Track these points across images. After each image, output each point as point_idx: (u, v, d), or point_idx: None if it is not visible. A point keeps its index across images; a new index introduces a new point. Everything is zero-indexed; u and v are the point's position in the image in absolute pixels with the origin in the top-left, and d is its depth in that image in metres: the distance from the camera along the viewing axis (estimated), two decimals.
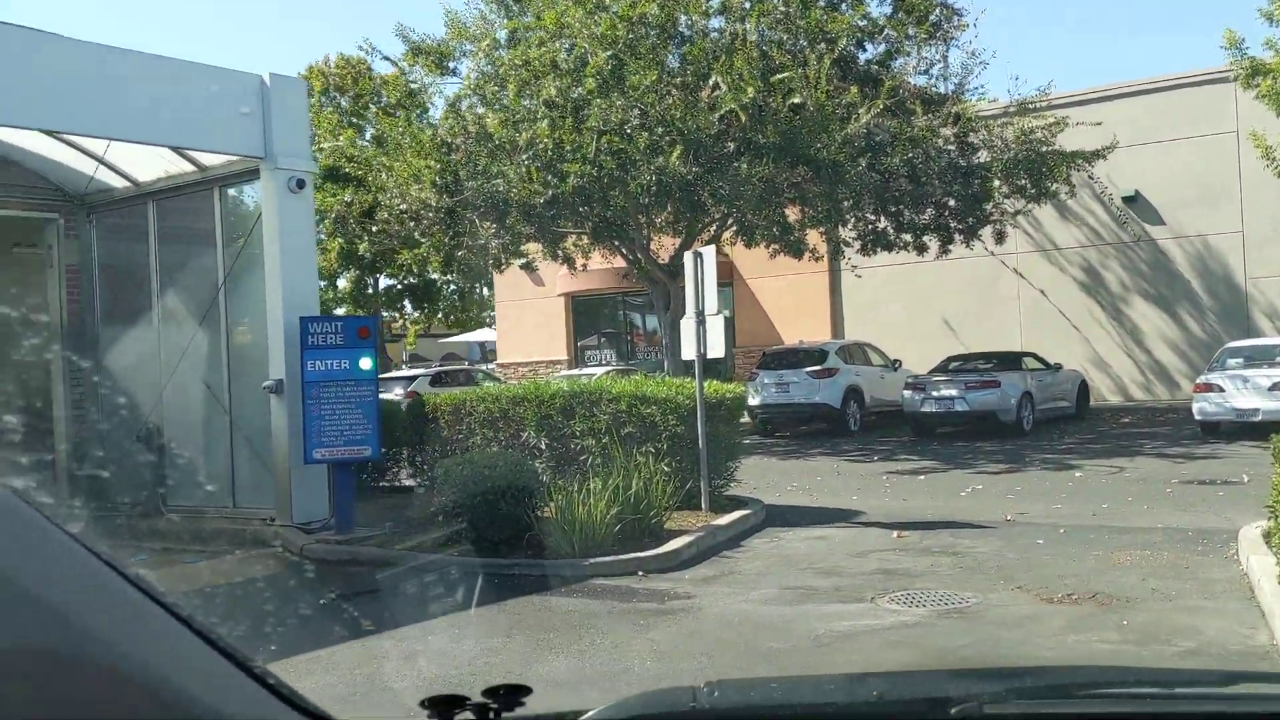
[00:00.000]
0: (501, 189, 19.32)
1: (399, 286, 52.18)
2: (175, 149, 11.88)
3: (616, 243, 23.50)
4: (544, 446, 12.65)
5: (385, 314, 55.67)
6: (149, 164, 12.87)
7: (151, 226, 13.38)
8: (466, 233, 21.40)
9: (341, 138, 22.94)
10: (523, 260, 25.44)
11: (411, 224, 20.78)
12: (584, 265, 25.16)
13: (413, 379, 27.76)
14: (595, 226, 22.44)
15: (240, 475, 12.60)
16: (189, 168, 12.70)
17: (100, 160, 12.81)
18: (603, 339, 33.39)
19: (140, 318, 13.59)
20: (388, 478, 14.63)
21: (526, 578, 9.52)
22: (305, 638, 7.66)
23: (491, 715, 1.33)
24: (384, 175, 21.12)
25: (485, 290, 49.92)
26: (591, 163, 18.31)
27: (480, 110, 21.17)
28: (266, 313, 11.82)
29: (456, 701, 1.33)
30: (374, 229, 22.33)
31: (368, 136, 22.37)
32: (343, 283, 51.89)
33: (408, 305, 54.16)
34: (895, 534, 10.84)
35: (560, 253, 24.06)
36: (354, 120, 21.28)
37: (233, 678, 1.05)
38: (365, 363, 11.49)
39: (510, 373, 32.10)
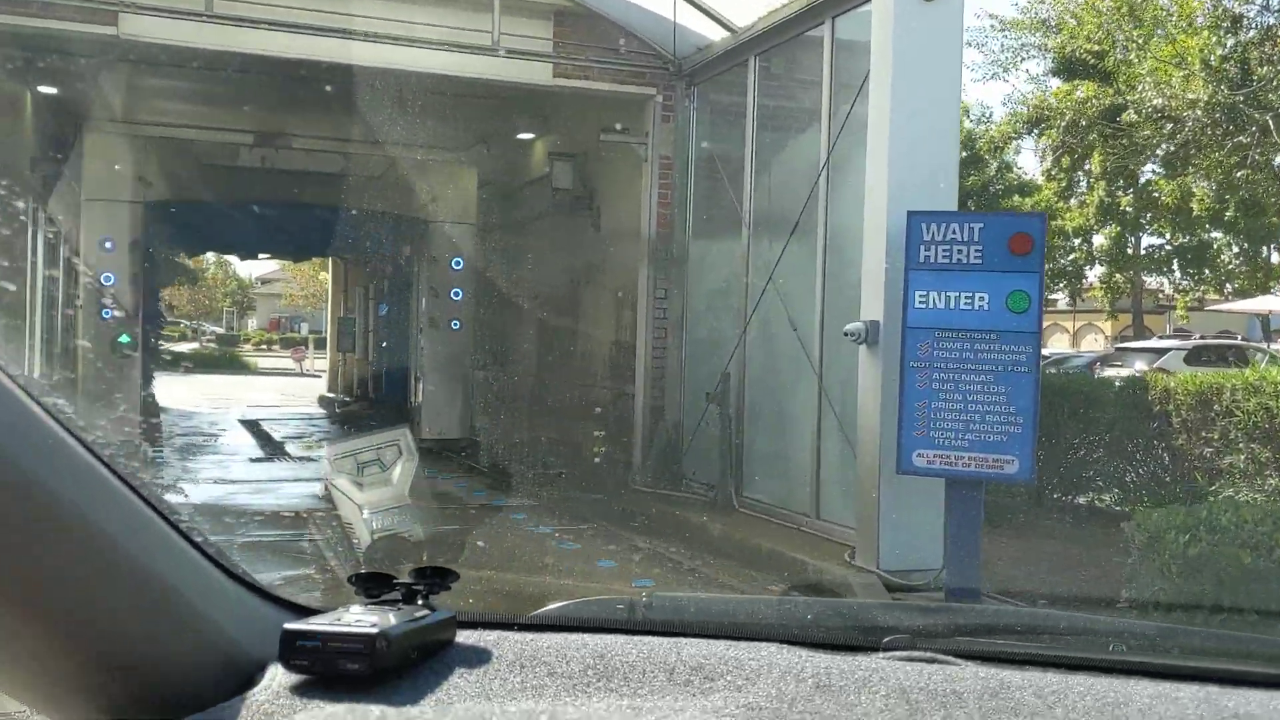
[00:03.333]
0: None
1: (1167, 246, 43.82)
2: None
3: None
4: None
5: (1149, 279, 47.43)
6: None
7: (750, 96, 9.35)
8: (1255, 143, 14.50)
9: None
10: None
11: (1169, 127, 14.44)
12: None
13: (1162, 352, 21.19)
14: None
15: (827, 471, 8.09)
16: None
17: None
18: None
19: (730, 228, 9.70)
20: (1059, 492, 9.10)
21: None
22: None
23: (419, 597, 1.26)
24: (1136, 61, 14.99)
25: (1276, 252, 39.30)
26: None
27: None
28: (866, 208, 7.09)
29: (384, 580, 1.28)
30: (1114, 137, 16.19)
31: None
32: (1099, 239, 44.83)
33: (1175, 270, 45.44)
34: None
35: None
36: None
37: (158, 531, 1.06)
38: (1022, 300, 6.20)
39: None
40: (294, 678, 1.13)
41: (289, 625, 1.14)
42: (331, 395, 22.16)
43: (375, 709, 1.07)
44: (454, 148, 14.53)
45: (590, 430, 11.33)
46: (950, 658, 1.28)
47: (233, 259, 44.64)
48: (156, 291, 15.94)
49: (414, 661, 1.18)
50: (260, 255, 24.55)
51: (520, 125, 13.08)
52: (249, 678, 1.13)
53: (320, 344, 34.77)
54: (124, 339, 12.53)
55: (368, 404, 18.63)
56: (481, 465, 12.24)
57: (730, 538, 8.27)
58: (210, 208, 13.81)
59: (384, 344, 17.16)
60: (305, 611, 1.21)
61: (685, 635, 1.32)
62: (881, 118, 6.94)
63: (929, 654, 1.29)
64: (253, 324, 60.19)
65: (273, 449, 14.43)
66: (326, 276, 27.59)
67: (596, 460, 11.03)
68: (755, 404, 9.18)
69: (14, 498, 0.90)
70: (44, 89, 12.05)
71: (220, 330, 54.81)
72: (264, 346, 50.00)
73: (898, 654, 1.30)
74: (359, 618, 1.18)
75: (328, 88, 11.16)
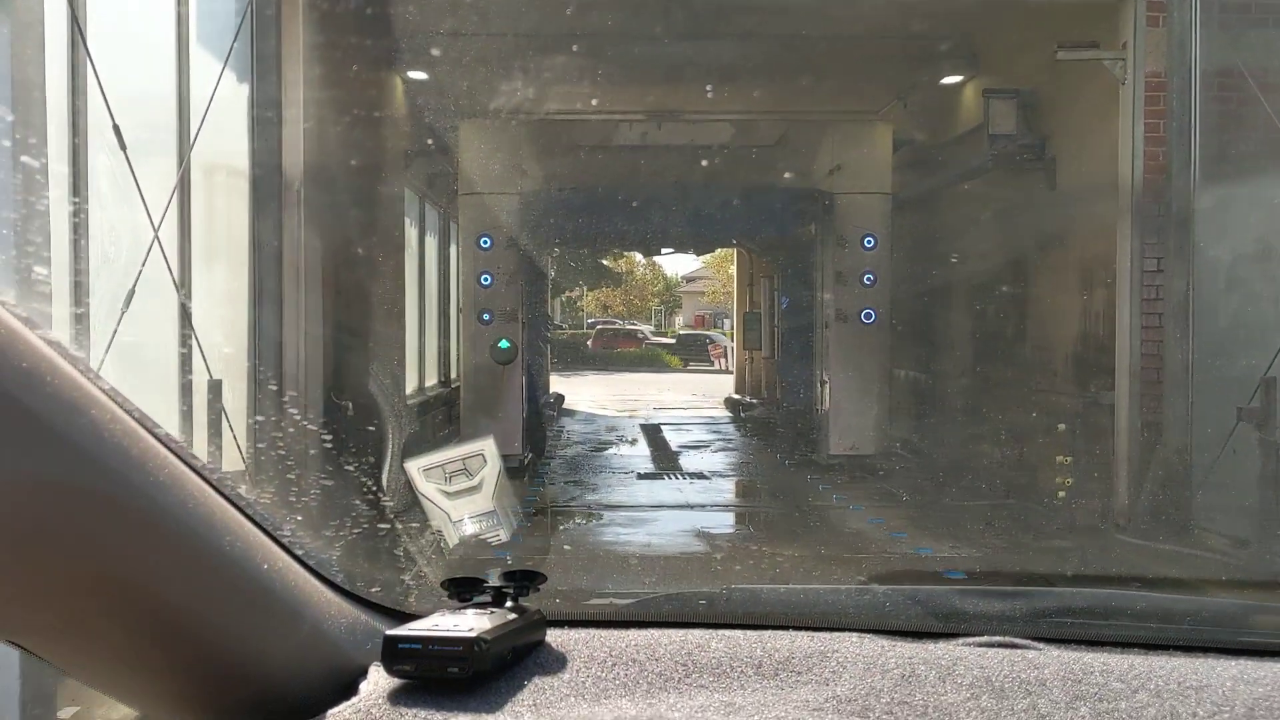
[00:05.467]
0: None
1: None
2: None
3: None
4: None
5: None
6: None
7: None
8: None
9: None
10: None
11: None
12: None
13: None
14: None
15: None
16: None
17: None
18: None
19: (1266, 165, 6.65)
20: None
21: None
22: None
23: (508, 599, 1.29)
24: None
25: None
26: None
27: None
28: None
29: (475, 584, 1.32)
30: None
31: None
32: None
33: None
34: None
35: None
36: None
37: (258, 542, 1.06)
38: None
39: None
40: (395, 682, 1.13)
41: (390, 631, 1.15)
42: (737, 397, 20.67)
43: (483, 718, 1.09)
44: (864, 104, 12.20)
45: (1050, 453, 8.58)
46: (1030, 642, 1.27)
47: (659, 259, 45.16)
48: (542, 289, 14.92)
49: (509, 663, 1.20)
50: (664, 250, 23.53)
51: (944, 66, 10.51)
52: (351, 682, 1.14)
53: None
54: (503, 344, 11.47)
55: (773, 408, 16.77)
56: (901, 493, 9.84)
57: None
58: (593, 195, 12.47)
59: (788, 341, 15.16)
60: (397, 615, 1.23)
61: (767, 627, 1.31)
62: None
63: (1009, 639, 1.27)
64: (679, 321, 61.14)
65: (665, 462, 12.89)
66: (733, 269, 26.26)
67: (1060, 494, 8.27)
68: None
69: (113, 510, 0.89)
70: (414, 74, 11.15)
71: (650, 329, 56.05)
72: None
73: (978, 640, 1.27)
74: (456, 622, 1.19)
75: (707, 31, 9.30)
